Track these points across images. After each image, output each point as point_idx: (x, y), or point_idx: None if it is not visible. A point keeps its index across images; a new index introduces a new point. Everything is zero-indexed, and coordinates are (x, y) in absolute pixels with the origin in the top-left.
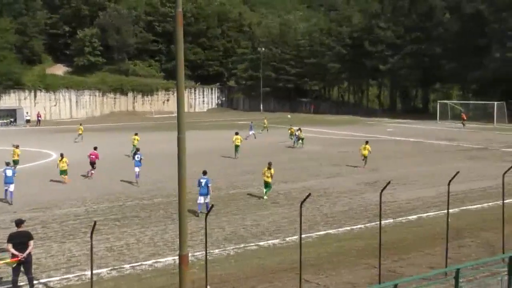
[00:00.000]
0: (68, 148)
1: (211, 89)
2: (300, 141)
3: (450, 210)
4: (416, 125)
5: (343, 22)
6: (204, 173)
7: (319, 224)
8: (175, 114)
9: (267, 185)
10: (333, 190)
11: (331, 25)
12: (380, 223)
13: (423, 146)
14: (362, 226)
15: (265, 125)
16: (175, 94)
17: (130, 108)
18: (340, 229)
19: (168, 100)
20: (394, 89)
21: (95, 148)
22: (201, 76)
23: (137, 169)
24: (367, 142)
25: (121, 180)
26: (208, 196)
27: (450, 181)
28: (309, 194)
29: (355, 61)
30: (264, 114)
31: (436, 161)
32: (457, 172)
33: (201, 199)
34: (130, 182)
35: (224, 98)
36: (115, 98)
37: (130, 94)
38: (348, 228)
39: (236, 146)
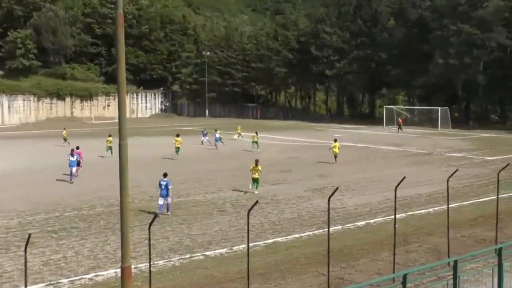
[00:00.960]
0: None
1: (154, 94)
2: (255, 144)
3: (397, 216)
4: (364, 130)
5: (289, 26)
6: (165, 175)
7: (267, 232)
8: (117, 120)
9: (255, 181)
10: (281, 197)
11: (278, 28)
12: (328, 230)
13: (370, 151)
14: (311, 233)
15: (238, 131)
16: (116, 99)
17: (68, 113)
18: (288, 237)
19: (109, 105)
20: (341, 94)
21: (78, 148)
22: (144, 80)
23: (74, 169)
24: (335, 140)
25: (58, 190)
26: (169, 198)
27: (397, 186)
28: (257, 202)
29: (302, 66)
30: (236, 120)
31: (383, 166)
32: (404, 177)
33: (161, 200)
34: (69, 190)
35: (168, 104)
36: (51, 103)
37: (68, 99)
38: (297, 235)
39: (177, 148)
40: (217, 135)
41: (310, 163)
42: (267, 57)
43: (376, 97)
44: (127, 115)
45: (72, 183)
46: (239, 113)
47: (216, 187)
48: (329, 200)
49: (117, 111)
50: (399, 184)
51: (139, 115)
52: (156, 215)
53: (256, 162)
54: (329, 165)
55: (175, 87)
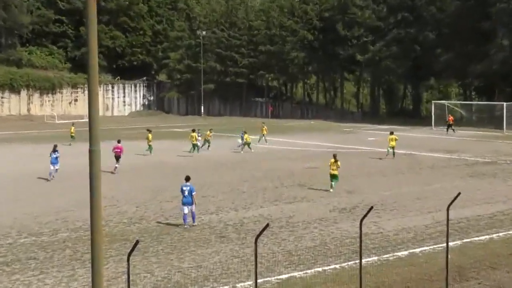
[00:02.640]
0: None
1: (135, 86)
2: (247, 146)
3: (451, 243)
4: (405, 132)
5: None
6: (187, 179)
7: (280, 264)
8: (86, 119)
9: (333, 177)
10: (299, 220)
11: (294, 2)
12: (360, 262)
13: (414, 160)
14: (337, 266)
15: (263, 133)
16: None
17: (24, 110)
18: (308, 271)
19: (76, 100)
20: (377, 86)
21: (119, 141)
22: (122, 68)
23: (52, 167)
24: (392, 133)
25: (12, 209)
26: (194, 206)
27: (449, 205)
28: (267, 225)
29: (326, 50)
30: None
31: (431, 179)
32: (458, 194)
33: (185, 209)
34: (25, 208)
35: (152, 98)
36: (2, 97)
37: (23, 93)
38: (319, 269)
39: (194, 146)
40: (240, 140)
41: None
42: (280, 38)
43: (422, 90)
44: (100, 113)
45: (49, 180)
46: (245, 110)
47: (214, 205)
48: (361, 223)
49: (87, 107)
50: (452, 202)
51: (116, 113)
52: (137, 242)
53: (335, 156)
54: (361, 178)
55: (162, 77)
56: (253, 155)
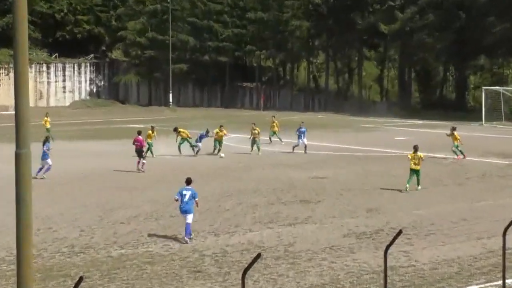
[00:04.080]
0: None
1: (79, 66)
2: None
3: (508, 281)
4: (446, 129)
5: None
6: (188, 181)
7: None
8: (12, 112)
9: (414, 172)
10: (301, 248)
11: None
12: None
13: (458, 167)
14: None
15: (275, 130)
16: (11, 74)
17: None
18: None
19: None
20: (407, 68)
21: (139, 133)
22: (62, 42)
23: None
24: (454, 129)
25: None
26: (191, 215)
27: (507, 228)
28: (259, 256)
29: (338, 18)
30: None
31: (481, 193)
32: None
33: (188, 218)
34: None
35: (103, 83)
36: None
37: None
38: None
39: (217, 143)
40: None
41: (351, 188)
42: (276, 1)
43: (469, 72)
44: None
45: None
46: (228, 99)
47: (183, 229)
48: (386, 253)
49: (11, 95)
50: (510, 224)
51: (53, 103)
52: (81, 279)
53: (415, 148)
54: (387, 192)
55: (116, 54)
56: (241, 161)
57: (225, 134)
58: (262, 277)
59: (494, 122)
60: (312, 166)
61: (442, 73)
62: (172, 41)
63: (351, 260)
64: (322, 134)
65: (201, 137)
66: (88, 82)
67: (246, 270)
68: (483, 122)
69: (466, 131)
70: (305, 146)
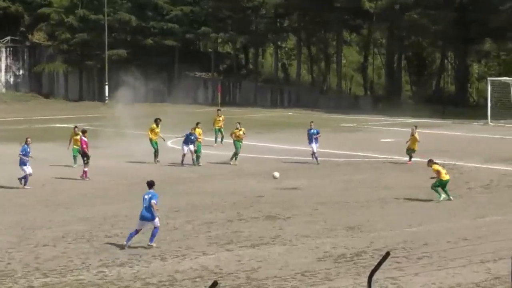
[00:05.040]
0: None
1: None
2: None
3: None
4: (443, 129)
5: None
6: (149, 185)
7: None
8: None
9: (441, 184)
10: (268, 274)
11: None
12: None
13: (458, 174)
14: None
15: (218, 126)
16: None
17: None
18: None
19: None
20: (397, 54)
21: (84, 133)
22: None
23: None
24: (414, 128)
25: None
26: (156, 221)
27: None
28: (215, 284)
29: None
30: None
31: (487, 207)
32: None
33: (145, 225)
34: None
35: (22, 72)
36: None
37: None
38: None
39: (237, 144)
40: None
41: (328, 201)
42: None
43: (472, 60)
44: None
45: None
46: (177, 92)
47: (127, 252)
48: (370, 280)
49: None
50: None
51: None
52: None
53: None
54: (371, 205)
55: (39, 36)
56: (193, 170)
57: (242, 135)
58: None
59: (502, 121)
60: (281, 175)
61: (439, 61)
62: (108, 21)
63: None
64: (293, 136)
65: (187, 139)
66: (3, 71)
67: None
68: (489, 121)
69: (468, 131)
70: (313, 154)
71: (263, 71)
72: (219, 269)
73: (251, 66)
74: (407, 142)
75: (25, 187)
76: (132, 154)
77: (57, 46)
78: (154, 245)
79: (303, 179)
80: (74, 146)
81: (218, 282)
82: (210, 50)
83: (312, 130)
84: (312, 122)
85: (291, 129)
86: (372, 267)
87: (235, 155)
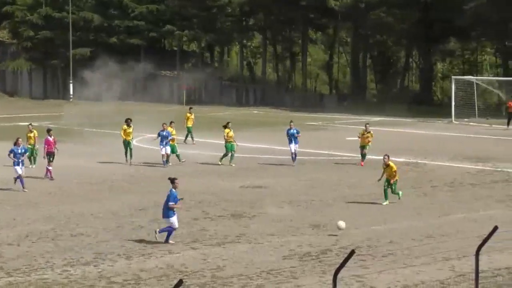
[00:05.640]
0: None
1: None
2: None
3: None
4: (408, 127)
5: None
6: (171, 182)
7: None
8: None
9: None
10: (233, 273)
11: None
12: None
13: (423, 173)
14: None
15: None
16: None
17: None
18: None
19: None
20: (362, 53)
21: (49, 131)
22: None
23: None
24: (367, 126)
25: None
26: (169, 220)
27: (480, 247)
28: (180, 283)
29: None
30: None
31: (451, 204)
32: (495, 228)
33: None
34: None
35: None
36: None
37: None
38: None
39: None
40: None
41: (293, 200)
42: None
43: (436, 59)
44: None
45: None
46: (143, 91)
47: (92, 250)
48: (335, 278)
49: None
50: (484, 242)
51: None
52: None
53: (386, 158)
54: (336, 204)
55: (2, 34)
56: (159, 168)
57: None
58: None
59: (466, 119)
60: (246, 174)
61: (404, 60)
62: (72, 19)
63: (293, 287)
64: (259, 134)
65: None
66: None
67: None
68: (453, 119)
69: (432, 129)
70: (294, 155)
71: (229, 70)
72: (184, 268)
73: (216, 65)
74: (363, 137)
75: (24, 189)
76: (98, 153)
77: (20, 43)
78: (171, 242)
79: (269, 177)
80: (28, 146)
81: (184, 280)
82: (175, 48)
83: (291, 130)
84: (291, 122)
85: (257, 127)
86: (338, 265)
87: (225, 156)
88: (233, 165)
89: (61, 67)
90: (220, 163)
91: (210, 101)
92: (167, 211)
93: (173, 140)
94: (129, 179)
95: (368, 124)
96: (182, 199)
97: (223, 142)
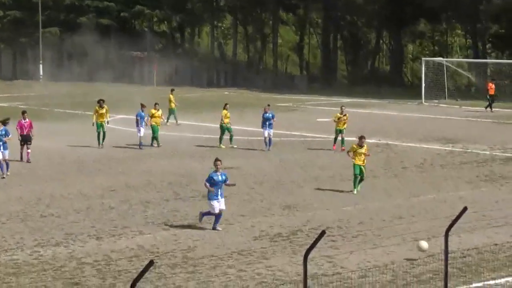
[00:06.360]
0: None
1: None
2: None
3: None
4: (378, 109)
5: None
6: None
7: None
8: None
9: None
10: (204, 253)
11: None
12: None
13: (393, 154)
14: None
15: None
16: None
17: None
18: None
19: None
20: (333, 34)
21: (24, 113)
22: None
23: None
24: (342, 108)
25: None
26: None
27: (449, 227)
28: (151, 263)
29: None
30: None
31: (420, 185)
32: (464, 209)
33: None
34: None
35: None
36: None
37: None
38: None
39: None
40: None
41: (264, 181)
42: None
43: (407, 40)
44: None
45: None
46: (113, 71)
47: (62, 231)
48: (306, 259)
49: None
50: (453, 223)
51: None
52: None
53: (361, 139)
54: (308, 185)
55: None
56: (129, 149)
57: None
58: None
59: (436, 100)
60: (217, 155)
61: (375, 41)
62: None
63: (263, 268)
64: (230, 115)
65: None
66: None
67: (135, 282)
68: (423, 100)
69: (402, 111)
70: (269, 140)
71: (199, 51)
72: (155, 248)
73: (187, 46)
74: (339, 121)
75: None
76: (68, 134)
77: None
78: (218, 228)
79: (240, 158)
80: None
81: (155, 261)
82: (145, 29)
83: (267, 114)
84: (268, 105)
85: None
86: (308, 246)
87: (222, 138)
88: (235, 146)
89: (30, 47)
90: (221, 146)
91: (181, 82)
92: (208, 193)
93: (156, 121)
94: (100, 160)
95: (344, 106)
96: (234, 184)
97: (218, 123)
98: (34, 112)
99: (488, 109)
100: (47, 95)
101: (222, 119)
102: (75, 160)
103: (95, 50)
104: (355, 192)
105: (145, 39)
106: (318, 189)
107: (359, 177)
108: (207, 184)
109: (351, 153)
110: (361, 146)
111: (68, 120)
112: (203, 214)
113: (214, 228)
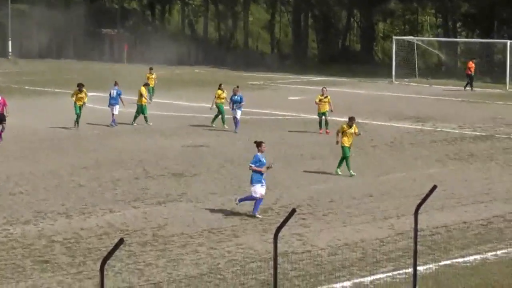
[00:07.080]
0: None
1: None
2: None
3: (420, 268)
4: (349, 87)
5: None
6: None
7: None
8: None
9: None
10: (174, 231)
11: None
12: None
13: (363, 133)
14: None
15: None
16: None
17: None
18: None
19: None
20: (303, 13)
21: None
22: None
23: None
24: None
25: None
26: (252, 188)
27: (419, 206)
28: (121, 242)
29: None
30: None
31: (390, 163)
32: (434, 187)
33: None
34: None
35: None
36: None
37: None
38: None
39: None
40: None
41: (235, 159)
42: None
43: (377, 19)
44: None
45: None
46: (83, 49)
47: (31, 209)
48: (276, 237)
49: None
50: (423, 201)
51: None
52: None
53: (351, 120)
54: (278, 163)
55: None
56: (98, 127)
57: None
58: (125, 267)
59: (406, 79)
60: (188, 133)
61: (345, 20)
62: None
63: (234, 246)
64: (200, 93)
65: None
66: None
67: (105, 260)
68: (393, 79)
69: (373, 89)
70: (236, 122)
71: (170, 28)
72: (125, 226)
73: (157, 23)
74: (321, 103)
75: None
76: (39, 111)
77: None
78: (257, 215)
79: (210, 136)
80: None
81: (125, 239)
82: (115, 6)
83: (235, 97)
84: (237, 87)
85: (198, 86)
86: (278, 224)
87: (216, 118)
88: (226, 126)
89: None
90: (213, 125)
91: (152, 60)
92: (252, 176)
93: (143, 100)
94: (71, 138)
95: (325, 88)
96: (270, 167)
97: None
98: (4, 89)
99: (468, 88)
100: (17, 72)
101: (215, 99)
102: (45, 138)
103: (65, 27)
104: (339, 172)
105: (116, 16)
106: (289, 166)
107: (347, 160)
108: (253, 166)
109: (340, 134)
110: (350, 126)
111: (40, 98)
112: (240, 200)
113: (254, 215)
